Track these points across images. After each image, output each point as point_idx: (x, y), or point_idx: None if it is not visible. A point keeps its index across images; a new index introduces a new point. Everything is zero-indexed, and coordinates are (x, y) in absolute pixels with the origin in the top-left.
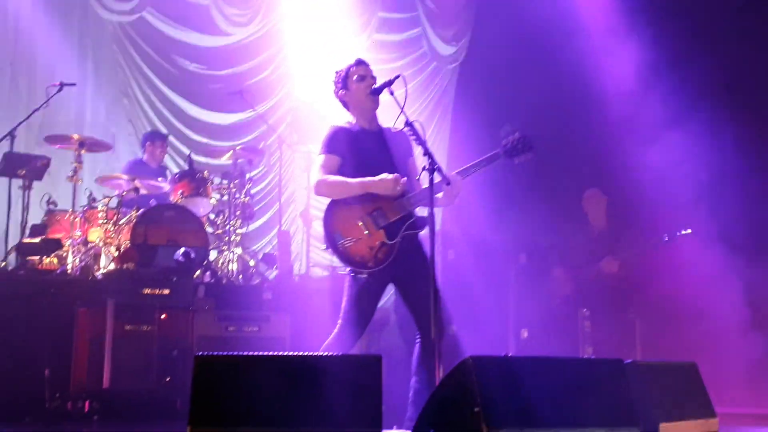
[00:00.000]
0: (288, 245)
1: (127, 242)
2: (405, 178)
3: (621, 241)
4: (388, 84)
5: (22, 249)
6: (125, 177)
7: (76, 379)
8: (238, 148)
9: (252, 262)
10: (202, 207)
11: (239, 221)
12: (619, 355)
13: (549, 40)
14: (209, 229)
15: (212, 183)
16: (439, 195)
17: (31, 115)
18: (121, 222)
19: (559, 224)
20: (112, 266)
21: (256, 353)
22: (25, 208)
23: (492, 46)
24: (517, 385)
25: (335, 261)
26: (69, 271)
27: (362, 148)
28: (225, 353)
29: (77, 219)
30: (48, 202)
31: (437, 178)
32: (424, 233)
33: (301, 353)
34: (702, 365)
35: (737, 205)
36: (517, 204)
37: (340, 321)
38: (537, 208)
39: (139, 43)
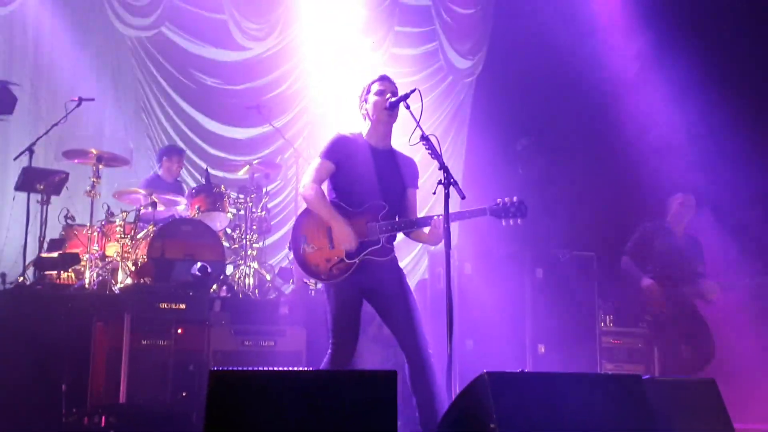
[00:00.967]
0: None
1: (144, 257)
2: (354, 246)
3: (699, 257)
4: (405, 98)
5: (40, 263)
6: (143, 192)
7: (93, 393)
8: (255, 162)
9: (268, 277)
10: (219, 221)
11: (256, 235)
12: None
13: (566, 53)
14: (226, 244)
15: (229, 197)
16: (426, 230)
17: (50, 129)
18: (138, 236)
19: (577, 238)
20: (129, 280)
21: (271, 368)
22: (43, 223)
23: (508, 61)
24: (533, 401)
25: None
26: (86, 286)
27: (361, 163)
28: (241, 368)
29: (95, 233)
30: (66, 217)
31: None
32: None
33: (316, 369)
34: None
35: None
36: (534, 217)
37: (330, 340)
38: (555, 221)
39: (157, 58)
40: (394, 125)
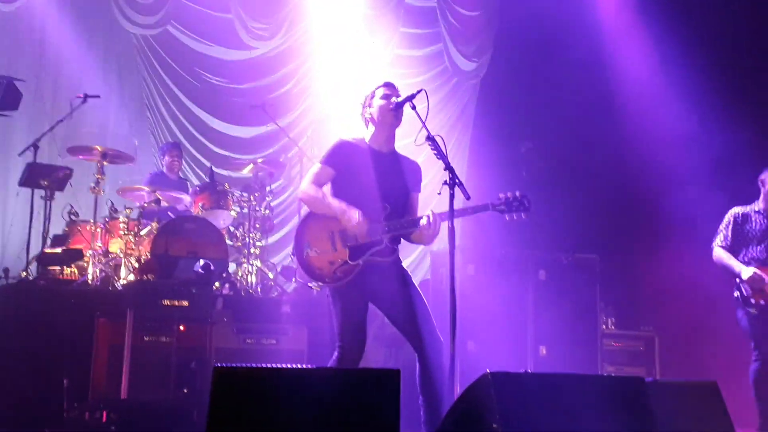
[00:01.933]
0: None
1: (148, 253)
2: (367, 226)
3: None
4: (411, 98)
5: (43, 259)
6: (146, 188)
7: (95, 390)
8: (259, 161)
9: (271, 275)
10: (223, 219)
11: (259, 234)
12: None
13: (570, 55)
14: (229, 242)
15: (233, 196)
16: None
17: (54, 126)
18: (142, 233)
19: (580, 240)
20: (132, 277)
21: (274, 366)
22: (47, 219)
23: (513, 63)
24: (536, 401)
25: None
26: (89, 282)
27: (362, 167)
28: (244, 365)
29: (98, 230)
30: (69, 213)
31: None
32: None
33: (319, 367)
34: (723, 384)
35: None
36: (537, 219)
37: (337, 344)
38: (558, 223)
39: (162, 56)
40: (400, 126)
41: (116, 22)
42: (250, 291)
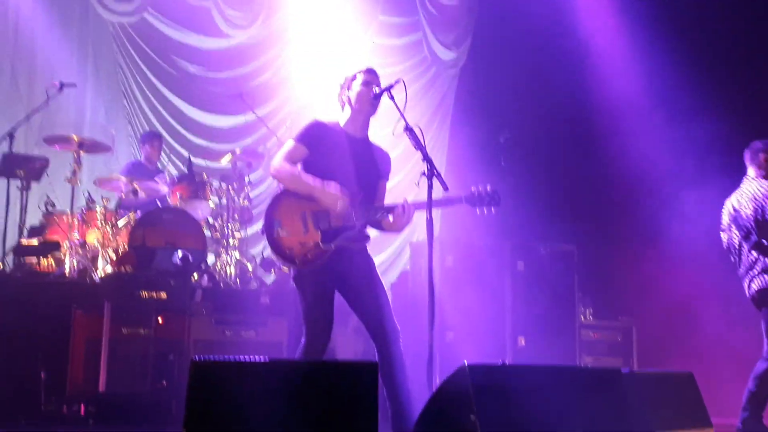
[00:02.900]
0: None
1: (125, 245)
2: (348, 202)
3: None
4: (389, 88)
5: (19, 250)
6: (124, 179)
7: (72, 382)
8: (237, 151)
9: (250, 266)
10: (201, 210)
11: (238, 225)
12: None
13: (549, 45)
14: (207, 233)
15: (211, 186)
16: (391, 217)
17: (30, 115)
18: (119, 224)
19: (558, 231)
20: (109, 269)
21: (252, 358)
22: (23, 209)
23: (492, 53)
24: (513, 393)
25: None
26: (66, 273)
27: (336, 149)
28: (222, 358)
29: (75, 221)
30: (46, 204)
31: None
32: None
33: (298, 359)
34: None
35: None
36: (515, 210)
37: (304, 330)
38: (536, 214)
39: (139, 44)
40: (377, 116)
41: (92, 9)
42: (229, 282)
